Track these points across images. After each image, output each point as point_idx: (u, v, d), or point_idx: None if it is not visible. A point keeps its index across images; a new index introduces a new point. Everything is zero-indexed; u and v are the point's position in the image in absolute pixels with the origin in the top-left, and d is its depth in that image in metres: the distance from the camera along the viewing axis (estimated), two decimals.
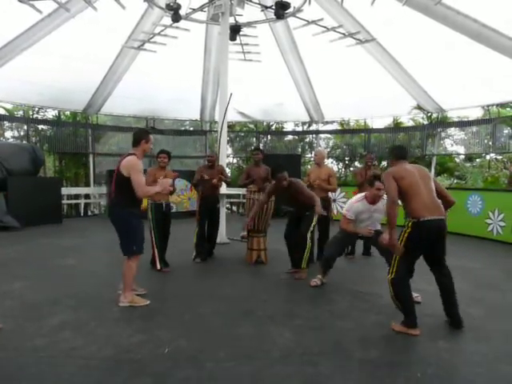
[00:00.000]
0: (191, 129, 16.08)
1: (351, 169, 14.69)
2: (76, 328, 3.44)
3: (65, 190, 11.60)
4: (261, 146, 14.98)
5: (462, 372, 2.82)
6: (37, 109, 12.47)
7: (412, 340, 3.29)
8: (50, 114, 13.04)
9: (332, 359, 2.95)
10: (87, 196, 12.65)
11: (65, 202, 11.75)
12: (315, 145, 14.75)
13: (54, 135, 12.31)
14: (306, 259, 5.18)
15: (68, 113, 12.96)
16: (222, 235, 7.47)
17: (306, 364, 2.86)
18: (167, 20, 8.51)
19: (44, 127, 12.66)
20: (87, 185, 12.83)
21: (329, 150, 15.47)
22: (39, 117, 12.68)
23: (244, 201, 8.42)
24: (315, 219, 5.22)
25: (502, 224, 8.01)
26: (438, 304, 4.06)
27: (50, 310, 3.87)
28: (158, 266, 5.31)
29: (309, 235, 5.14)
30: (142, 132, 4.23)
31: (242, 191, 7.17)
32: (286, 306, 4.11)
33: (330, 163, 16.10)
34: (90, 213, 12.72)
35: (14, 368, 2.76)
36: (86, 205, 12.68)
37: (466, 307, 4.06)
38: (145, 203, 4.93)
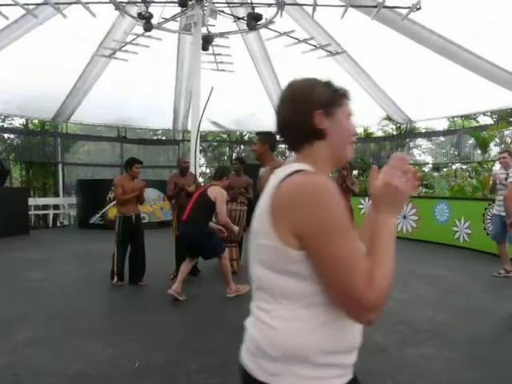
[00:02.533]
0: (163, 138, 15.97)
1: None
2: (44, 344, 3.33)
3: (32, 201, 11.28)
4: (233, 155, 15.02)
5: (430, 378, 2.87)
6: (3, 117, 12.13)
7: (384, 347, 3.34)
8: (17, 122, 12.72)
9: None
10: (56, 207, 12.34)
11: (32, 212, 11.43)
12: (288, 154, 14.88)
13: (22, 144, 11.99)
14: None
15: (36, 121, 12.66)
16: None
17: None
18: (139, 29, 8.46)
19: (11, 136, 12.32)
20: (56, 195, 12.52)
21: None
22: (5, 125, 12.33)
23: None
24: None
25: (468, 231, 8.25)
26: (408, 312, 4.16)
27: (16, 325, 3.74)
28: (115, 279, 5.14)
29: None
30: (226, 170, 5.05)
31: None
32: None
33: None
34: (59, 224, 12.40)
35: None
36: (55, 216, 12.36)
37: (434, 314, 4.17)
38: (112, 214, 4.96)
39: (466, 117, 12.36)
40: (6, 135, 12.23)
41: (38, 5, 7.82)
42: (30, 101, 10.84)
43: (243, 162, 6.48)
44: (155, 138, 16.37)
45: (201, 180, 15.91)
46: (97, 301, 4.58)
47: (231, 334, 3.59)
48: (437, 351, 3.28)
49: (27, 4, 7.42)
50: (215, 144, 15.72)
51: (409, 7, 7.00)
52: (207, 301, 4.61)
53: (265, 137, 3.54)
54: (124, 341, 3.41)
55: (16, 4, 7.04)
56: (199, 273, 5.85)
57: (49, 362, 3.00)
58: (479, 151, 11.02)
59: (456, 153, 12.18)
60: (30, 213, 10.89)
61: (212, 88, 6.24)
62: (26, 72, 9.88)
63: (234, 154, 15.29)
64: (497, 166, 5.94)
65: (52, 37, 9.03)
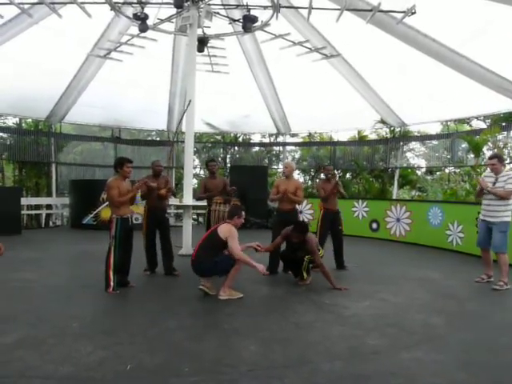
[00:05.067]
0: (158, 139, 15.92)
1: (317, 181, 14.92)
2: (33, 346, 3.29)
3: (24, 200, 11.19)
4: (228, 157, 15.01)
5: (422, 382, 2.86)
6: None
7: (376, 350, 3.34)
8: (11, 121, 12.62)
9: (298, 372, 2.94)
10: (49, 206, 12.25)
11: (24, 212, 11.34)
12: (282, 156, 14.91)
13: (15, 143, 11.90)
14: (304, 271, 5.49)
15: (30, 121, 12.57)
16: (188, 246, 7.38)
17: (273, 378, 2.84)
18: (134, 29, 8.43)
19: (4, 135, 12.22)
20: (49, 195, 12.44)
21: (295, 161, 15.66)
22: None
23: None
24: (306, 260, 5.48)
25: (461, 235, 8.29)
26: (401, 315, 4.18)
27: (5, 327, 3.68)
28: (111, 289, 4.86)
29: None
30: (239, 209, 5.03)
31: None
32: (251, 319, 4.08)
33: (297, 175, 16.30)
34: (51, 224, 12.31)
35: None
36: (48, 215, 12.27)
37: (427, 317, 4.18)
38: (105, 215, 4.91)
39: (460, 121, 12.44)
40: None
41: (33, 4, 7.77)
42: (24, 100, 10.75)
43: (218, 162, 6.66)
44: (149, 138, 16.31)
45: (194, 181, 15.91)
46: (88, 302, 4.54)
47: (224, 337, 3.58)
48: (429, 354, 3.28)
49: (22, 3, 7.36)
50: (209, 145, 15.68)
51: (404, 11, 7.02)
52: (199, 303, 4.57)
53: None
54: (115, 343, 3.38)
55: (11, 3, 6.97)
56: (175, 272, 5.93)
57: (37, 364, 2.95)
58: (472, 155, 11.08)
59: (449, 156, 12.24)
60: (22, 212, 10.80)
61: (190, 101, 6.28)
62: (20, 71, 9.82)
63: (229, 156, 15.29)
64: (488, 171, 5.90)
65: (47, 36, 8.98)
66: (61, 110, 11.88)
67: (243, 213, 4.93)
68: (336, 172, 6.81)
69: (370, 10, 7.28)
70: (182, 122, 6.76)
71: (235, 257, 4.63)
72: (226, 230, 4.74)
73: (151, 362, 3.05)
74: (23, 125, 12.43)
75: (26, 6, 7.49)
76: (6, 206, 9.38)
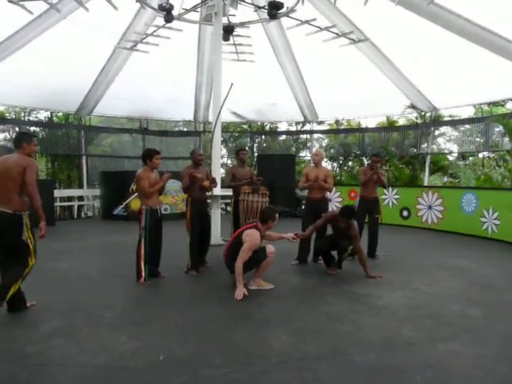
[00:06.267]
0: (185, 129, 16.00)
1: (345, 168, 14.72)
2: (68, 335, 3.36)
3: (57, 193, 11.48)
4: (255, 146, 14.96)
5: (460, 375, 2.77)
6: (28, 110, 12.34)
7: (411, 342, 3.25)
8: (43, 115, 12.93)
9: (331, 364, 2.90)
10: (80, 198, 12.54)
11: (58, 204, 11.64)
12: (309, 144, 14.73)
13: (47, 137, 12.20)
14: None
15: (60, 114, 12.85)
16: (217, 236, 7.40)
17: (305, 369, 2.81)
18: (160, 20, 8.42)
19: (36, 129, 12.53)
20: (80, 187, 12.72)
21: (323, 149, 15.45)
22: (31, 118, 12.54)
23: None
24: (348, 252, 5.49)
25: (497, 222, 8.01)
26: (436, 305, 4.06)
27: (41, 316, 3.78)
28: (143, 279, 4.90)
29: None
30: (273, 212, 4.77)
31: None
32: (282, 309, 4.05)
33: (324, 162, 16.12)
34: (83, 215, 12.61)
35: (3, 377, 2.69)
36: (80, 207, 12.57)
37: (463, 308, 4.05)
38: (135, 206, 4.92)
39: (494, 103, 11.95)
40: (32, 128, 12.43)
41: None
42: (54, 94, 10.97)
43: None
44: (176, 129, 16.41)
45: (222, 171, 15.95)
46: (120, 292, 4.60)
47: (255, 327, 3.57)
48: (467, 347, 3.17)
49: None
50: (236, 135, 15.64)
51: None
52: (230, 293, 4.55)
53: None
54: (148, 333, 3.42)
55: None
56: (206, 264, 5.85)
57: (73, 353, 3.02)
58: (508, 139, 10.64)
59: (483, 141, 11.79)
60: (55, 204, 11.08)
61: (232, 84, 6.17)
62: (50, 66, 9.99)
63: (256, 145, 15.23)
64: None
65: (75, 30, 9.08)
66: (90, 102, 12.08)
67: (277, 215, 4.79)
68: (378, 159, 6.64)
69: None
70: (222, 107, 6.67)
71: (236, 264, 4.46)
72: (247, 238, 4.61)
73: (182, 352, 3.07)
74: (54, 118, 12.71)
75: (54, 1, 7.59)
76: (40, 198, 9.62)
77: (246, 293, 4.39)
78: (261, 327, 3.58)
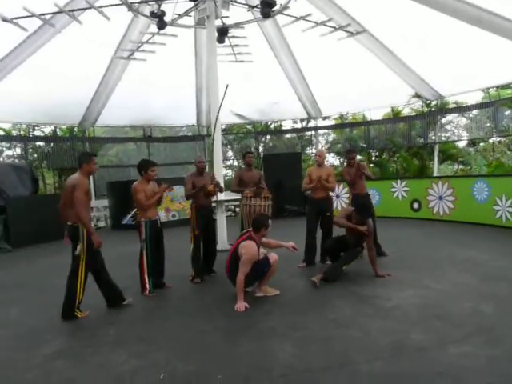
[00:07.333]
0: (189, 134, 15.97)
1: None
2: (70, 356, 3.31)
3: None
4: (260, 146, 14.87)
5: (474, 380, 2.63)
6: (32, 126, 12.42)
7: (421, 347, 3.12)
8: (47, 130, 13.00)
9: (337, 375, 2.79)
10: (90, 209, 12.55)
11: None
12: (315, 141, 14.58)
13: (52, 151, 12.26)
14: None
15: (64, 127, 12.90)
16: (224, 242, 7.32)
17: (307, 383, 2.71)
18: (154, 28, 8.36)
19: (41, 144, 12.61)
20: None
21: (329, 145, 15.31)
22: (36, 134, 12.62)
23: None
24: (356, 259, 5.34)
25: (511, 210, 7.79)
26: (448, 304, 3.93)
27: (44, 337, 3.74)
28: (147, 292, 4.89)
29: (344, 267, 5.19)
30: (265, 219, 4.60)
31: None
32: (288, 317, 3.93)
33: (331, 158, 15.96)
34: (93, 226, 12.62)
35: None
36: (90, 218, 12.58)
37: (475, 304, 3.91)
38: None
39: (502, 87, 11.65)
40: (37, 143, 12.51)
41: (53, 14, 7.83)
42: (57, 108, 11.02)
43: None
44: (180, 134, 16.38)
45: (229, 173, 15.88)
46: (126, 307, 4.53)
47: (259, 338, 3.47)
48: (480, 349, 3.02)
49: (43, 14, 7.44)
50: (241, 136, 15.56)
51: None
52: (235, 302, 4.45)
53: None
54: (151, 350, 3.35)
55: (32, 15, 7.07)
56: (214, 273, 5.76)
57: (75, 376, 2.97)
58: None
59: (492, 126, 11.50)
60: None
61: (227, 85, 6.09)
62: (50, 80, 10.01)
63: (261, 145, 15.13)
64: None
65: (71, 44, 9.09)
66: (92, 114, 12.10)
67: (270, 221, 4.61)
68: (357, 156, 6.48)
69: None
70: (220, 110, 6.62)
71: (238, 278, 4.35)
72: (244, 250, 4.42)
73: (185, 369, 2.99)
74: (58, 132, 12.76)
75: (47, 17, 7.58)
76: (49, 213, 9.65)
77: (247, 306, 4.26)
78: (266, 337, 3.48)
